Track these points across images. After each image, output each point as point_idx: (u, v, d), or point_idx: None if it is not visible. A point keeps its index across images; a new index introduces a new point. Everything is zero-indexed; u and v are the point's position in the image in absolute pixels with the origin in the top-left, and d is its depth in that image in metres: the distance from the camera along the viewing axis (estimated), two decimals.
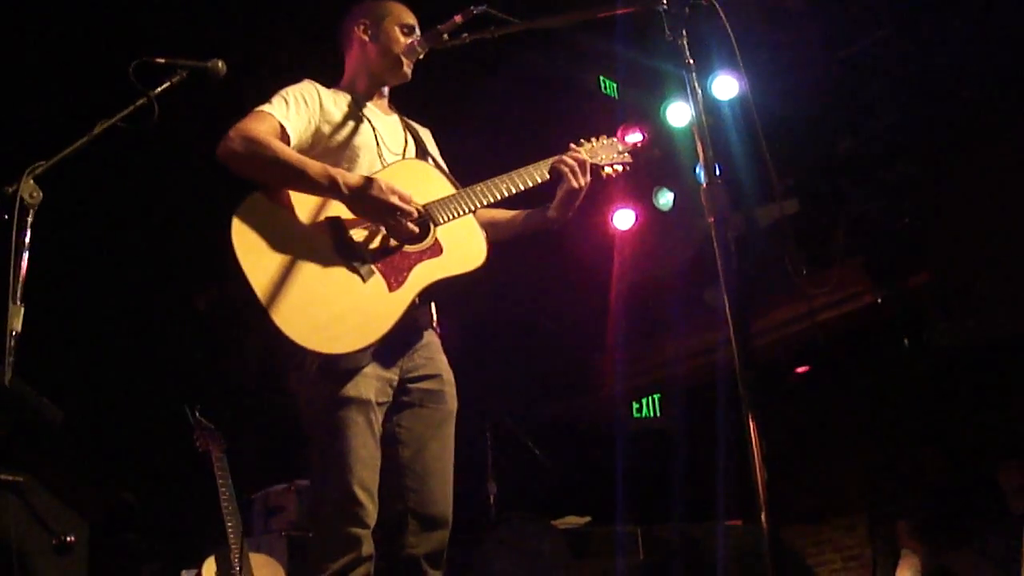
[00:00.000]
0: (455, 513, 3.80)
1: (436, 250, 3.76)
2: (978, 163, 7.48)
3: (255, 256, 3.46)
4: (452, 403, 3.91)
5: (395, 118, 4.20)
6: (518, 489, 8.20)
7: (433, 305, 3.90)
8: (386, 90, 4.22)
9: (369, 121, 4.01)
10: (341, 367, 3.53)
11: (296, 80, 3.97)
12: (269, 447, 7.18)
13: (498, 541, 7.13)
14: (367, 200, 3.63)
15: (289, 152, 3.65)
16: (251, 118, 3.72)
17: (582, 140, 4.31)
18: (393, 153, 4.02)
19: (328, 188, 3.62)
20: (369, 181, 3.64)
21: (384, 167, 3.92)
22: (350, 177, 3.64)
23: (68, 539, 3.96)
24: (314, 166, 3.64)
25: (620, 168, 4.38)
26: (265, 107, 3.77)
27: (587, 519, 8.12)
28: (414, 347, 3.83)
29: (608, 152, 4.34)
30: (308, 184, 3.63)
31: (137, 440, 7.09)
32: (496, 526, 7.30)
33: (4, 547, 3.51)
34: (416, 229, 3.72)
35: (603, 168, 4.31)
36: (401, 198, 3.67)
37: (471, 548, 7.00)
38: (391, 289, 3.62)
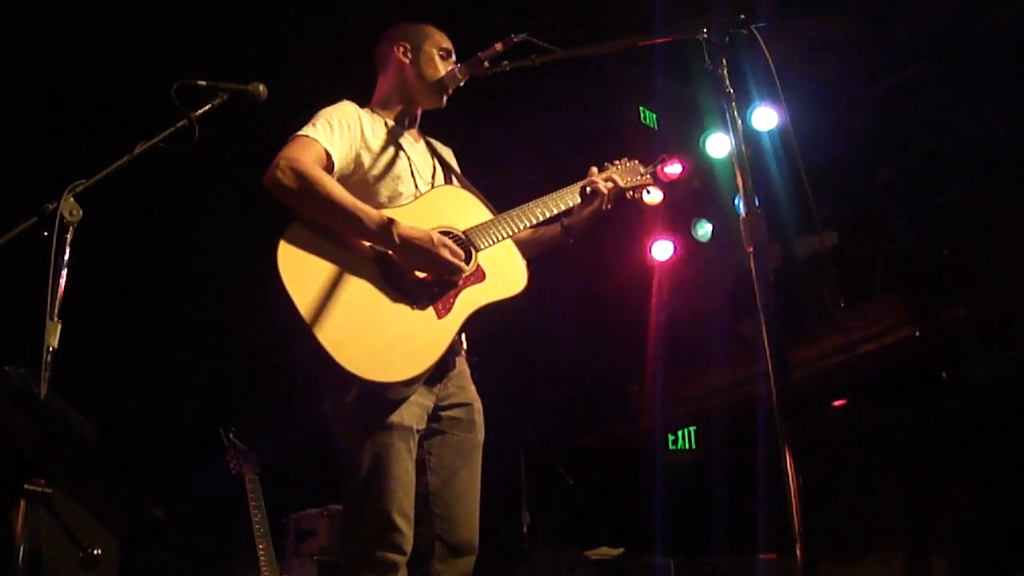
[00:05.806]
0: (488, 542, 3.79)
1: (480, 275, 3.77)
2: (1018, 195, 7.41)
3: (303, 283, 3.43)
4: (480, 433, 3.92)
5: (423, 144, 4.21)
6: (551, 519, 8.17)
7: (463, 334, 3.91)
8: (418, 114, 4.23)
9: (403, 149, 4.01)
10: (388, 395, 3.51)
11: (332, 100, 3.97)
12: (303, 471, 7.17)
13: (531, 571, 7.10)
14: (419, 253, 3.62)
15: (342, 194, 3.60)
16: (297, 145, 3.69)
17: (606, 164, 4.33)
18: (425, 182, 4.02)
19: (379, 236, 3.60)
20: (421, 234, 3.63)
21: (420, 195, 3.92)
22: (402, 227, 3.61)
23: (95, 552, 3.97)
24: (368, 213, 3.60)
25: (641, 191, 4.40)
26: (309, 132, 3.75)
27: (621, 550, 8.07)
28: (449, 374, 3.83)
29: (631, 175, 4.36)
30: (360, 230, 3.60)
31: (171, 459, 7.11)
32: (529, 556, 7.27)
33: (33, 558, 3.52)
34: (462, 265, 3.72)
35: (627, 191, 4.33)
36: (452, 252, 3.67)
37: None
38: (439, 316, 3.62)
